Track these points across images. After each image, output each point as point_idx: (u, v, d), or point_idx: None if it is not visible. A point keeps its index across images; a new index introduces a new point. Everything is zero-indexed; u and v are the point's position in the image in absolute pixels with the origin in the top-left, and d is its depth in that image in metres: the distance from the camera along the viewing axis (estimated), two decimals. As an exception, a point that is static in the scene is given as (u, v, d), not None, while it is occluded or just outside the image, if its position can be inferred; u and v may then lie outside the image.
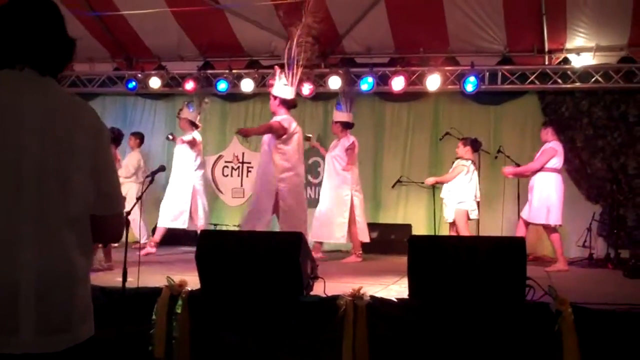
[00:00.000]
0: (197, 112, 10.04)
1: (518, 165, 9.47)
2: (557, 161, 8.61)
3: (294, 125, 7.70)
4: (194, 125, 9.82)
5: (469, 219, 9.18)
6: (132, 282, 5.16)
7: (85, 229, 2.13)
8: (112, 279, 5.89)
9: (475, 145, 9.48)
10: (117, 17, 10.33)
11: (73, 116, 2.11)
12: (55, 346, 1.98)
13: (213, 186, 11.89)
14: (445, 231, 10.26)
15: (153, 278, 5.84)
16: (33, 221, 1.97)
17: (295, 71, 7.74)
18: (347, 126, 9.31)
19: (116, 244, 8.23)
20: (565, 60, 10.17)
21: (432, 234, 10.01)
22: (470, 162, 9.24)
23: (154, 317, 5.17)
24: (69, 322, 2.03)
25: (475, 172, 9.33)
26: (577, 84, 10.03)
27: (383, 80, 10.41)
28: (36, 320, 1.94)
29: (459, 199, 9.14)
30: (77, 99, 2.21)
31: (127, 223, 5.54)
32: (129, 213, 5.67)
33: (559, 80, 10.08)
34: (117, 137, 8.47)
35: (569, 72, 10.06)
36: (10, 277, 1.93)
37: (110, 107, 12.18)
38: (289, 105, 7.82)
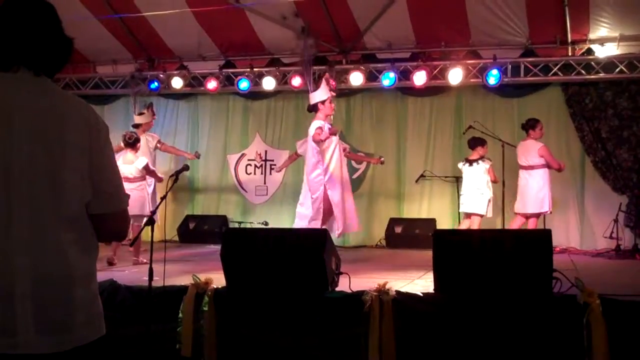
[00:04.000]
0: (137, 112, 10.41)
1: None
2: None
3: None
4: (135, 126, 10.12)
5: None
6: (157, 281, 5.21)
7: (86, 228, 2.11)
8: (138, 278, 5.94)
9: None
10: (139, 19, 10.39)
11: (66, 115, 2.08)
12: (57, 347, 1.97)
13: (236, 185, 11.94)
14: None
15: (179, 277, 5.88)
16: (26, 223, 1.96)
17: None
18: None
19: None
20: (589, 51, 10.05)
21: (457, 228, 9.97)
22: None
23: (180, 315, 5.20)
24: (71, 323, 2.01)
25: (465, 169, 9.61)
26: (601, 75, 9.92)
27: (405, 75, 10.37)
28: (35, 322, 1.94)
29: None
30: (73, 97, 2.18)
31: (153, 222, 5.59)
32: (153, 212, 5.73)
33: (583, 72, 9.98)
34: (131, 141, 8.46)
35: (592, 63, 9.95)
36: (5, 279, 1.92)
37: (132, 107, 12.26)
38: None
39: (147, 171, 8.40)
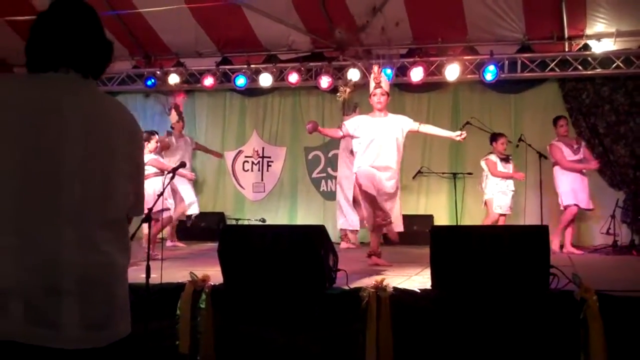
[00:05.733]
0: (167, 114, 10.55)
1: (540, 153, 9.51)
2: None
3: None
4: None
5: None
6: (155, 278, 5.20)
7: (123, 229, 2.21)
8: (136, 275, 5.93)
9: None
10: (135, 15, 10.37)
11: (114, 120, 2.19)
12: (97, 342, 2.04)
13: (234, 181, 11.95)
14: (466, 221, 10.25)
15: (176, 274, 5.87)
16: (74, 221, 2.02)
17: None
18: None
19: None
20: (586, 47, 10.06)
21: (454, 224, 9.97)
22: None
23: (178, 312, 5.20)
24: (111, 319, 2.09)
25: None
26: (598, 70, 9.96)
27: (402, 71, 10.37)
28: (80, 317, 1.99)
29: None
30: (116, 101, 2.30)
31: (151, 220, 5.58)
32: (151, 209, 5.72)
33: (580, 67, 10.01)
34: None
35: (589, 59, 9.97)
36: (53, 275, 1.97)
37: (130, 105, 12.22)
38: None
39: (158, 168, 8.37)
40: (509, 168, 9.37)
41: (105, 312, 2.07)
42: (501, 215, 9.29)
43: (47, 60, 2.13)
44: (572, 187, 9.03)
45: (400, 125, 7.37)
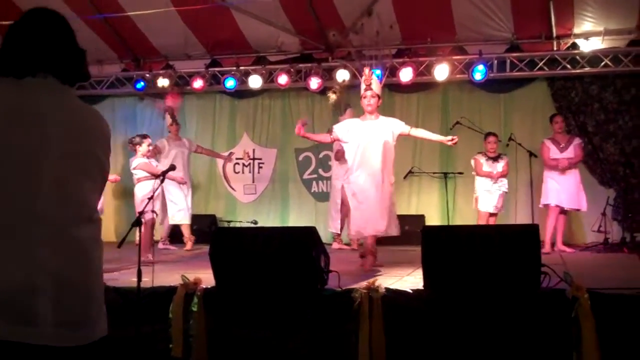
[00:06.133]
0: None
1: (530, 152, 9.53)
2: None
3: None
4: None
5: None
6: (147, 282, 5.19)
7: (98, 228, 2.23)
8: (127, 279, 5.91)
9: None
10: (124, 19, 10.34)
11: (90, 126, 2.23)
12: (77, 340, 2.05)
13: (225, 183, 11.93)
14: (457, 221, 10.25)
15: (168, 277, 5.86)
16: (52, 222, 2.04)
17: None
18: None
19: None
20: (574, 46, 10.09)
21: (445, 224, 9.98)
22: None
23: (170, 315, 5.19)
24: (89, 317, 2.10)
25: None
26: (587, 69, 9.99)
27: (391, 71, 10.35)
28: (54, 314, 1.99)
29: None
30: (91, 107, 2.32)
31: (141, 223, 5.57)
32: (141, 213, 5.70)
33: (568, 66, 10.03)
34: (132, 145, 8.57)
35: (577, 57, 10.00)
36: (28, 272, 1.98)
37: (120, 108, 12.20)
38: None
39: (148, 171, 8.36)
40: (495, 167, 9.37)
41: (82, 310, 2.08)
42: (491, 215, 9.31)
43: (24, 65, 2.15)
44: (555, 186, 9.07)
45: (391, 128, 7.30)
